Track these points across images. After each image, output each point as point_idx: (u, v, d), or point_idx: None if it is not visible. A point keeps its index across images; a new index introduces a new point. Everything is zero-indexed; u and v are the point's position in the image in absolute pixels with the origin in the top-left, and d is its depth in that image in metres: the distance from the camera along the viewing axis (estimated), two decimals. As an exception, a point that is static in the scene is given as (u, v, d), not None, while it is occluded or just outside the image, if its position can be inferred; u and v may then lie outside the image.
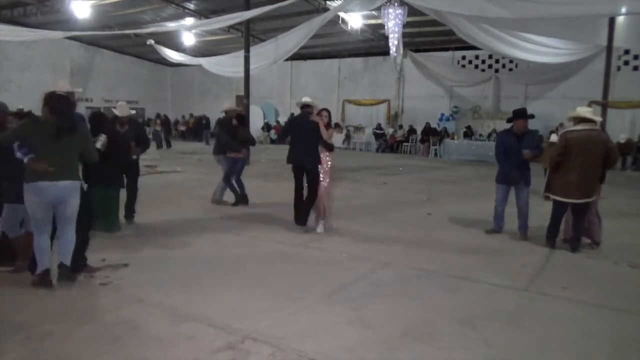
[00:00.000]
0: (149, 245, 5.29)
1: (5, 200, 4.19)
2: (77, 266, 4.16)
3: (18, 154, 3.90)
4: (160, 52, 20.57)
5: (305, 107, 6.35)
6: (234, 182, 7.87)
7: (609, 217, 7.24)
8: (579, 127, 5.32)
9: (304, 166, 6.17)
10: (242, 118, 8.05)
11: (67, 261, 3.95)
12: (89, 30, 17.78)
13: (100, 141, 4.44)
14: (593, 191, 5.35)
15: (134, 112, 6.62)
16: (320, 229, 6.17)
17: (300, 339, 3.15)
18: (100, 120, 5.38)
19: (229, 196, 7.91)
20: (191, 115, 25.54)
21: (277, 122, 23.35)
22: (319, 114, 6.27)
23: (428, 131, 19.72)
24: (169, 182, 10.30)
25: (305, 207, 6.16)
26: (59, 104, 3.89)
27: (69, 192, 3.88)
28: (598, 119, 5.41)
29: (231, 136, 7.65)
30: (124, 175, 5.91)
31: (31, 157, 3.77)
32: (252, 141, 8.19)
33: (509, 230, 6.47)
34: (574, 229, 5.49)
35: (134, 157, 6.20)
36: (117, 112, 6.15)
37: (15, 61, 20.43)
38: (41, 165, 3.72)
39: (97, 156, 4.26)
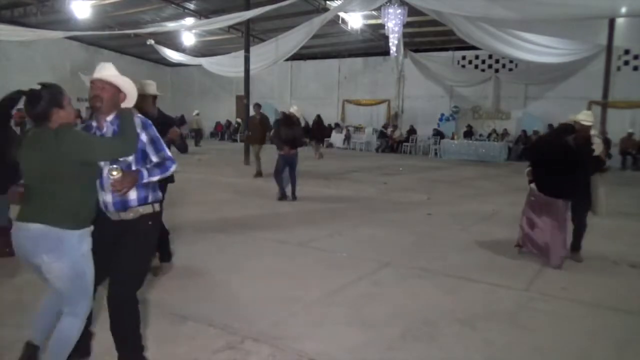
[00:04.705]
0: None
1: None
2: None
3: None
4: (160, 52, 20.59)
5: None
6: (286, 177, 8.40)
7: (609, 216, 7.25)
8: None
9: None
10: (287, 119, 8.59)
11: None
12: (89, 30, 17.78)
13: (112, 176, 2.39)
14: None
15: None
16: None
17: (300, 339, 3.15)
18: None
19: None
20: None
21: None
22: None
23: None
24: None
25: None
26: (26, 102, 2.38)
27: (39, 244, 2.30)
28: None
29: (277, 135, 8.45)
30: None
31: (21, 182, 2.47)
32: (291, 141, 8.31)
33: (509, 231, 6.48)
34: None
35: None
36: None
37: (15, 61, 20.41)
38: (12, 190, 2.50)
39: (109, 154, 2.45)
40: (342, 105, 23.38)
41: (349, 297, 3.98)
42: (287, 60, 17.64)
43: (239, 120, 23.57)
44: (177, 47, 20.93)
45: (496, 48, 14.52)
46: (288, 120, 8.53)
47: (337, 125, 22.71)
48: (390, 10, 12.74)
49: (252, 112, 12.09)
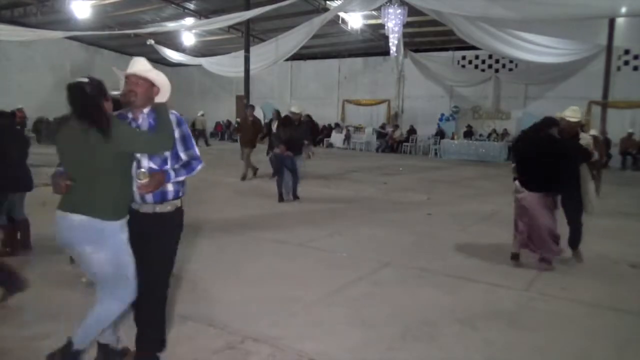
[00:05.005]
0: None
1: None
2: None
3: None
4: (160, 52, 20.59)
5: None
6: (288, 179, 8.36)
7: (609, 217, 7.25)
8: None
9: None
10: (286, 120, 8.67)
11: (80, 343, 2.53)
12: (89, 30, 17.79)
13: (139, 180, 2.46)
14: None
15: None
16: None
17: (300, 339, 3.15)
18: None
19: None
20: None
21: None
22: None
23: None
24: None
25: None
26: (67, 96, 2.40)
27: (81, 235, 2.39)
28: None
29: (277, 135, 8.53)
30: None
31: (59, 171, 2.48)
32: (288, 141, 8.25)
33: (509, 231, 6.48)
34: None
35: None
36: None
37: (15, 61, 20.42)
38: (59, 180, 2.41)
39: (155, 148, 2.51)
40: (342, 105, 23.38)
41: (349, 297, 3.98)
42: (287, 60, 17.64)
43: (239, 120, 23.59)
44: (177, 47, 20.94)
45: (496, 48, 14.51)
46: (286, 120, 8.53)
47: (337, 125, 22.71)
48: (390, 10, 12.74)
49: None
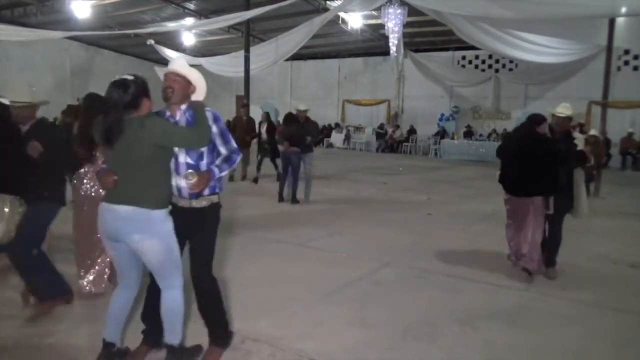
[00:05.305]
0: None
1: None
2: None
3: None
4: (160, 52, 20.59)
5: None
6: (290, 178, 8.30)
7: (609, 216, 7.26)
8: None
9: None
10: (289, 116, 8.63)
11: (173, 338, 2.65)
12: (89, 30, 17.78)
13: (189, 180, 2.54)
14: None
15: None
16: None
17: (300, 339, 3.15)
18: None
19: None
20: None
21: (277, 121, 23.37)
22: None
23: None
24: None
25: None
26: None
27: (128, 225, 2.48)
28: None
29: (280, 131, 8.61)
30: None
31: (103, 168, 2.65)
32: (288, 137, 8.18)
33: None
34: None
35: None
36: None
37: (15, 61, 20.40)
38: (105, 176, 2.54)
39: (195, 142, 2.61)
40: (342, 105, 23.39)
41: (349, 297, 3.98)
42: (287, 60, 17.65)
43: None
44: (177, 47, 20.94)
45: (496, 48, 14.53)
46: (290, 117, 8.52)
47: (337, 125, 22.72)
48: (390, 10, 12.76)
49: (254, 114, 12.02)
